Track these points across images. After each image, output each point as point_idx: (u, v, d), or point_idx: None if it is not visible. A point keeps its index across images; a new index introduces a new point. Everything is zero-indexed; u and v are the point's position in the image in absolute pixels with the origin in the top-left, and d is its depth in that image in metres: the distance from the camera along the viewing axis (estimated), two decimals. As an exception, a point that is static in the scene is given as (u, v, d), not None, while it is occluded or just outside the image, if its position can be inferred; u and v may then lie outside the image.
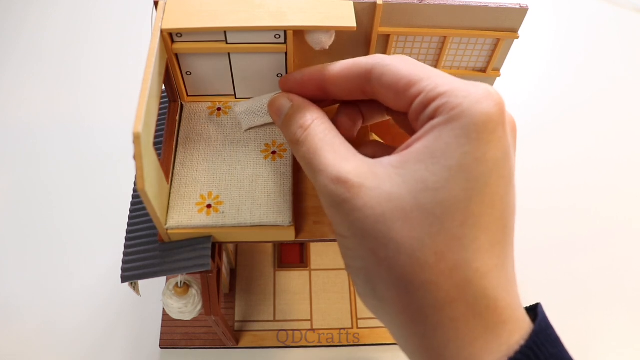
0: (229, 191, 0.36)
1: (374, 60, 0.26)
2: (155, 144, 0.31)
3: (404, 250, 0.21)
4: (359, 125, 0.30)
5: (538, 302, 0.24)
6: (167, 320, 0.49)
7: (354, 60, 0.27)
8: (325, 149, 0.25)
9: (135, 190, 0.38)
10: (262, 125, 0.39)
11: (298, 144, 0.27)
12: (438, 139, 0.22)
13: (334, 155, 0.24)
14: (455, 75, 0.42)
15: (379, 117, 0.31)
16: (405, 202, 0.21)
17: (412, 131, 0.27)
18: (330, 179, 0.23)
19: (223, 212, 0.35)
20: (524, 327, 0.21)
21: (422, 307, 0.21)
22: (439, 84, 0.23)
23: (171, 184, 0.36)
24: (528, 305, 0.24)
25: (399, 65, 0.25)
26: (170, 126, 0.38)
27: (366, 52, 0.40)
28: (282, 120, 0.29)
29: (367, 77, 0.26)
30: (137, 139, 0.27)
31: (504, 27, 0.38)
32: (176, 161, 0.37)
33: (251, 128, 0.39)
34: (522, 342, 0.21)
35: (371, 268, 0.22)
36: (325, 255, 0.53)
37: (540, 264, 0.55)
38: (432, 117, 0.23)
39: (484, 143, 0.21)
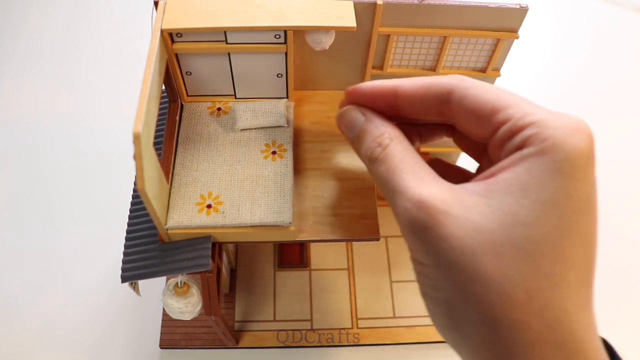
0: (229, 191, 0.36)
1: (455, 80, 0.25)
2: (155, 144, 0.31)
3: (494, 286, 0.20)
4: (417, 145, 0.29)
5: (609, 342, 0.23)
6: (167, 320, 0.49)
7: (433, 79, 0.26)
8: (406, 170, 0.24)
9: (135, 190, 0.38)
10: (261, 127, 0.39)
11: (376, 162, 0.25)
12: (529, 172, 0.21)
13: (415, 177, 0.23)
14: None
15: (438, 138, 0.30)
16: (495, 235, 0.20)
17: (479, 155, 0.27)
18: (412, 202, 0.22)
19: (223, 212, 0.35)
20: None
21: (511, 346, 0.20)
22: (527, 112, 0.22)
23: (171, 184, 0.36)
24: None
25: (483, 89, 0.24)
26: (170, 126, 0.38)
27: (366, 52, 0.40)
28: (355, 135, 0.27)
29: (446, 98, 0.25)
30: (137, 139, 0.27)
31: (504, 27, 0.38)
32: (176, 161, 0.37)
33: (248, 129, 0.39)
34: None
35: (455, 302, 0.21)
36: (325, 255, 0.53)
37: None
38: (520, 147, 0.22)
39: (577, 179, 0.21)
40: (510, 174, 0.21)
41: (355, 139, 0.27)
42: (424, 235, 0.22)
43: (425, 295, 0.23)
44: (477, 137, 0.25)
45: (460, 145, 0.29)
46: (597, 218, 0.21)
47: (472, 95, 0.24)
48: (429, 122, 0.28)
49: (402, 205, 0.23)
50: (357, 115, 0.27)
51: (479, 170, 0.27)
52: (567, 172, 0.20)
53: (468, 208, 0.21)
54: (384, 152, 0.25)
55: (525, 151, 0.21)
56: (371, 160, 0.25)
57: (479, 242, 0.20)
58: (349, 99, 0.28)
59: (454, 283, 0.21)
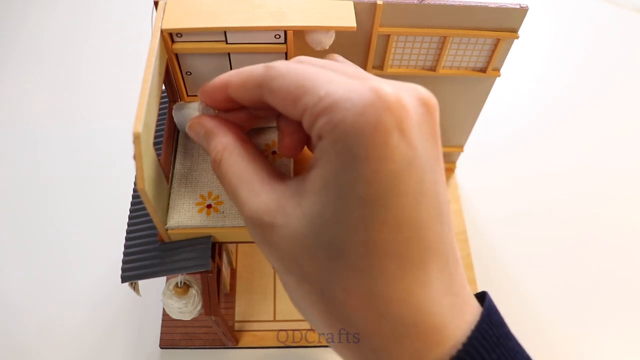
0: (229, 191, 0.36)
1: (263, 72, 0.23)
2: (155, 144, 0.31)
3: (315, 288, 0.21)
4: (303, 141, 0.27)
5: (484, 291, 0.23)
6: (167, 320, 0.49)
7: (251, 70, 0.24)
8: (238, 183, 0.25)
9: (135, 190, 0.38)
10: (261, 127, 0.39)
11: (217, 175, 0.26)
12: (327, 166, 0.20)
13: (248, 190, 0.24)
14: (455, 75, 0.43)
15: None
16: (307, 239, 0.21)
17: None
18: (247, 219, 0.24)
19: (223, 212, 0.35)
20: (458, 335, 0.20)
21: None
22: (321, 97, 0.20)
23: (171, 184, 0.36)
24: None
25: (286, 76, 0.22)
26: (170, 126, 0.38)
27: (366, 52, 0.40)
28: (202, 143, 0.29)
29: (259, 93, 0.24)
30: (137, 139, 0.27)
31: (504, 27, 0.38)
32: (176, 161, 0.37)
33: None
34: (459, 346, 0.19)
35: (299, 302, 0.23)
36: (325, 255, 0.53)
37: (541, 266, 0.55)
38: (319, 138, 0.20)
39: (375, 160, 0.19)
40: (315, 171, 0.21)
41: (203, 147, 0.29)
42: (261, 246, 0.23)
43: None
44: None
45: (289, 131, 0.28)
46: (421, 191, 0.20)
47: (277, 88, 0.23)
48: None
49: (244, 220, 0.24)
50: (198, 129, 0.28)
51: None
52: (362, 156, 0.19)
53: (288, 215, 0.22)
54: (220, 168, 0.26)
55: (322, 143, 0.20)
56: (215, 174, 0.27)
57: (297, 247, 0.21)
58: (201, 99, 0.29)
59: (288, 287, 0.23)
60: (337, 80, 0.21)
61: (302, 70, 0.22)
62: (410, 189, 0.19)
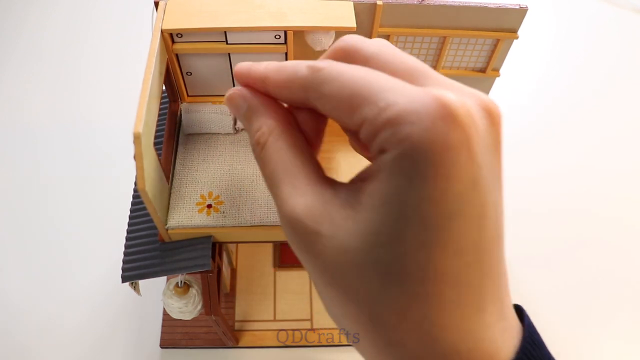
0: (229, 191, 0.36)
1: (310, 73, 0.21)
2: (155, 144, 0.31)
3: (365, 308, 0.19)
4: (324, 124, 0.25)
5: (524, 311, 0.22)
6: (167, 320, 0.49)
7: (295, 67, 0.22)
8: (282, 175, 0.22)
9: (135, 190, 0.39)
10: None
11: (258, 160, 0.24)
12: (390, 182, 0.18)
13: (291, 184, 0.22)
14: (455, 75, 0.43)
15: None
16: (360, 256, 0.19)
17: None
18: (287, 218, 0.21)
19: (223, 212, 0.35)
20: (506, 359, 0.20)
21: None
22: (382, 108, 0.18)
23: (171, 184, 0.36)
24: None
25: (339, 81, 0.20)
26: (170, 126, 0.38)
27: (366, 53, 0.40)
28: (242, 119, 0.25)
29: (305, 97, 0.22)
30: (137, 139, 0.27)
31: (504, 27, 0.38)
32: (176, 161, 0.37)
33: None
34: None
35: (340, 317, 0.21)
36: (325, 255, 0.53)
37: (541, 266, 0.55)
38: (382, 151, 0.19)
39: (443, 179, 0.18)
40: (373, 185, 0.19)
41: (243, 123, 0.25)
42: (299, 250, 0.21)
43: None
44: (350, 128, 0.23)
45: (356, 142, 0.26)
46: (484, 213, 0.19)
47: (328, 94, 0.21)
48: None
49: (281, 216, 0.22)
50: (240, 101, 0.25)
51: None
52: (430, 175, 0.17)
53: (337, 225, 0.20)
54: (263, 152, 0.23)
55: (385, 156, 0.18)
56: (255, 158, 0.24)
57: (347, 263, 0.19)
58: (238, 81, 0.25)
59: (335, 304, 0.21)
60: (396, 87, 0.19)
61: (355, 74, 0.20)
62: (475, 212, 0.18)
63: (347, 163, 0.39)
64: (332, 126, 0.42)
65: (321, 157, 0.39)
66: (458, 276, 0.18)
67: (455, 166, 0.17)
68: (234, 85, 0.39)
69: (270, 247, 0.54)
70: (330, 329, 0.49)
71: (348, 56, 0.22)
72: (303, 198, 0.21)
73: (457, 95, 0.18)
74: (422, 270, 0.18)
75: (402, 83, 0.19)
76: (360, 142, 0.22)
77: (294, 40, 0.35)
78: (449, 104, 0.18)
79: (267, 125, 0.23)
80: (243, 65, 0.24)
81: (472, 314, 0.19)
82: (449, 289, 0.18)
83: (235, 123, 0.38)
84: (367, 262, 0.19)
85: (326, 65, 0.21)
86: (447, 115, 0.17)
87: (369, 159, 0.23)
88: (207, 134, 0.38)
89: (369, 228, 0.19)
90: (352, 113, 0.20)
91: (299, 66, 0.22)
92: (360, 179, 0.20)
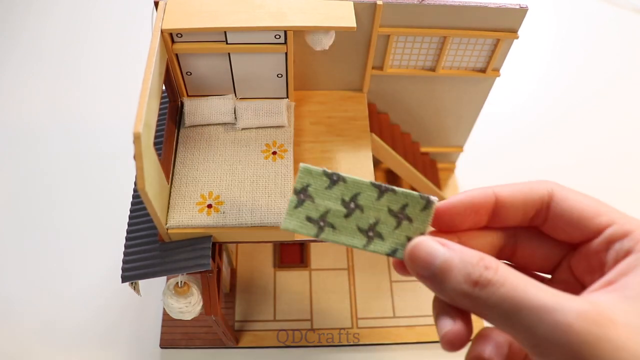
0: (230, 191, 0.36)
1: (552, 184, 0.26)
2: (155, 143, 0.31)
3: None
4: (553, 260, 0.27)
5: None
6: (167, 320, 0.49)
7: (529, 182, 0.26)
8: (536, 286, 0.21)
9: (135, 190, 0.38)
10: (261, 127, 0.39)
11: (488, 285, 0.22)
12: None
13: (553, 294, 0.21)
14: (455, 75, 0.43)
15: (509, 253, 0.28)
16: None
17: (551, 265, 0.26)
18: (575, 315, 0.20)
19: (223, 212, 0.35)
20: None
21: None
22: (626, 219, 0.23)
23: (171, 184, 0.36)
24: None
25: (580, 193, 0.25)
26: (170, 126, 0.38)
27: (366, 52, 0.40)
28: (437, 268, 0.23)
29: (547, 199, 0.25)
30: (137, 139, 0.27)
31: (504, 27, 0.38)
32: (177, 161, 0.37)
33: (249, 128, 0.39)
34: None
35: None
36: (325, 255, 0.53)
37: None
38: (630, 251, 0.22)
39: None
40: (637, 278, 0.21)
41: (437, 273, 0.23)
42: (599, 348, 0.20)
43: None
44: (570, 240, 0.25)
45: (526, 260, 0.28)
46: None
47: (574, 198, 0.25)
48: (507, 230, 0.27)
49: (558, 322, 0.20)
50: (435, 245, 0.24)
51: (555, 281, 0.27)
52: None
53: (626, 315, 0.20)
54: (498, 272, 0.22)
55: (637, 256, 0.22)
56: (481, 285, 0.22)
57: None
58: (438, 219, 0.26)
59: None
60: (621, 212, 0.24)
61: (586, 196, 0.25)
62: None
63: (347, 163, 0.39)
64: (332, 126, 0.42)
65: (321, 157, 0.39)
66: None
67: None
68: (234, 85, 0.39)
69: (270, 247, 0.54)
70: (330, 329, 0.49)
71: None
72: (572, 299, 0.21)
73: None
74: None
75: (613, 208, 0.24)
76: (553, 253, 0.26)
77: (294, 40, 0.35)
78: None
79: (488, 260, 0.23)
80: (447, 203, 0.26)
81: None
82: None
83: (234, 111, 0.39)
84: None
85: (554, 186, 0.26)
86: None
87: (547, 267, 0.27)
88: (207, 132, 0.38)
89: None
90: (597, 217, 0.24)
91: (530, 187, 0.26)
92: (604, 285, 0.22)
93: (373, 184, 0.29)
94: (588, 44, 0.74)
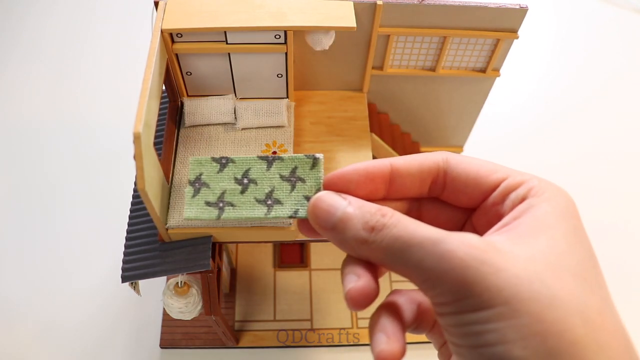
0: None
1: (447, 153, 0.26)
2: (155, 144, 0.31)
3: (573, 309, 0.19)
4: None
5: None
6: (167, 320, 0.49)
7: (424, 153, 0.27)
8: (427, 226, 0.22)
9: (135, 190, 0.38)
10: (260, 127, 0.39)
11: (383, 228, 0.23)
12: (546, 214, 0.22)
13: (441, 230, 0.22)
14: (455, 75, 0.43)
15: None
16: (550, 262, 0.20)
17: (458, 227, 0.27)
18: (458, 243, 0.21)
19: (223, 212, 0.35)
20: None
21: None
22: (519, 172, 0.24)
23: (171, 184, 0.36)
24: None
25: (473, 157, 0.26)
26: (170, 126, 0.38)
27: (366, 52, 0.40)
28: (338, 219, 0.24)
29: (443, 165, 0.26)
30: (137, 139, 0.27)
31: (504, 27, 0.38)
32: (177, 161, 0.37)
33: (249, 128, 0.39)
34: None
35: (531, 341, 0.19)
36: (325, 255, 0.53)
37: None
38: (524, 197, 0.23)
39: (581, 221, 0.23)
40: (529, 219, 0.22)
41: (338, 223, 0.24)
42: (482, 272, 0.20)
43: (477, 350, 0.21)
44: (469, 201, 0.26)
45: (433, 223, 0.27)
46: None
47: (468, 161, 0.25)
48: (404, 203, 0.28)
49: (443, 251, 0.21)
50: (337, 198, 0.25)
51: None
52: (573, 215, 0.23)
53: (511, 246, 0.21)
54: (393, 217, 0.23)
55: (533, 200, 0.23)
56: (376, 229, 0.23)
57: (540, 268, 0.20)
58: (333, 187, 0.26)
59: (529, 316, 0.19)
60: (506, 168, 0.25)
61: (480, 159, 0.26)
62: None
63: (347, 163, 0.39)
64: (332, 126, 0.42)
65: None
66: (609, 292, 0.22)
67: (580, 218, 0.24)
68: (234, 85, 0.39)
69: (270, 247, 0.54)
70: (330, 329, 0.49)
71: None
72: (461, 235, 0.22)
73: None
74: (599, 277, 0.21)
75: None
76: (456, 216, 0.27)
77: (294, 40, 0.35)
78: (556, 184, 0.24)
79: (385, 208, 0.24)
80: (340, 171, 0.26)
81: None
82: (612, 301, 0.22)
83: (234, 111, 0.39)
84: (558, 266, 0.21)
85: (453, 155, 0.26)
86: (564, 190, 0.24)
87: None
88: (207, 132, 0.38)
89: (544, 244, 0.21)
90: (492, 174, 0.25)
91: (424, 157, 0.26)
92: (499, 228, 0.23)
93: (260, 157, 0.31)
94: (588, 44, 0.74)
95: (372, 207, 0.24)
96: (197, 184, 0.30)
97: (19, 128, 0.63)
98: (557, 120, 0.66)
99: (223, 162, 0.31)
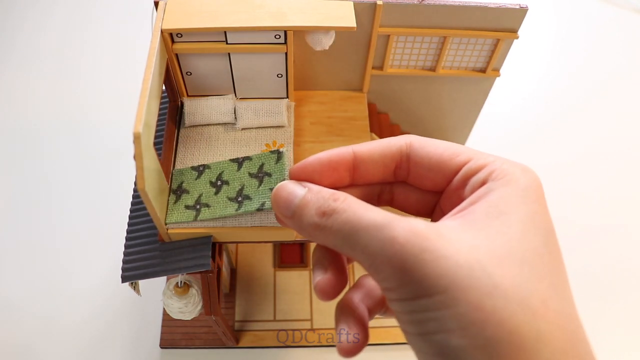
0: (229, 191, 0.36)
1: (411, 136, 0.26)
2: (155, 144, 0.31)
3: (513, 298, 0.19)
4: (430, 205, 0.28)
5: None
6: (167, 320, 0.49)
7: (387, 138, 0.27)
8: (375, 210, 0.22)
9: (135, 190, 0.38)
10: (260, 127, 0.39)
11: (334, 213, 0.23)
12: (502, 199, 0.22)
13: (389, 215, 0.22)
14: (455, 75, 0.43)
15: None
16: (495, 249, 0.20)
17: (426, 212, 0.27)
18: (400, 230, 0.20)
19: (223, 212, 0.35)
20: None
21: None
22: (482, 155, 0.24)
23: (171, 184, 0.36)
24: None
25: (438, 140, 0.26)
26: (170, 126, 0.38)
27: (366, 52, 0.40)
28: (296, 206, 0.25)
29: (406, 150, 0.26)
30: (137, 139, 0.27)
31: (504, 27, 0.38)
32: (176, 160, 0.37)
33: (249, 128, 0.39)
34: None
35: (470, 328, 0.19)
36: (325, 255, 0.53)
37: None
38: (485, 181, 0.23)
39: (541, 205, 0.23)
40: (484, 204, 0.22)
41: (296, 210, 0.25)
42: (421, 259, 0.20)
43: (422, 337, 0.21)
44: (434, 185, 0.25)
45: (404, 207, 0.28)
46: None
47: (432, 144, 0.25)
48: (374, 187, 0.28)
49: (386, 236, 0.21)
50: (296, 187, 0.25)
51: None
52: (533, 199, 0.22)
53: (458, 232, 0.21)
54: (344, 202, 0.23)
55: (492, 184, 0.22)
56: (327, 214, 0.23)
57: (484, 256, 0.20)
58: (298, 176, 0.26)
59: (467, 304, 0.19)
60: (480, 151, 0.25)
61: (445, 142, 0.25)
62: (556, 238, 0.23)
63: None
64: (332, 126, 0.42)
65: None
66: (566, 280, 0.21)
67: (544, 200, 0.23)
68: (234, 85, 0.39)
69: (270, 247, 0.54)
70: (330, 329, 0.49)
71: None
72: (405, 220, 0.21)
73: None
74: (550, 265, 0.21)
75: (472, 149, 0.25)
76: (424, 200, 0.27)
77: (294, 40, 0.35)
78: (527, 166, 0.24)
79: (338, 193, 0.24)
80: (304, 161, 0.26)
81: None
82: (568, 288, 0.21)
83: (234, 111, 0.39)
84: (503, 253, 0.20)
85: (416, 138, 0.26)
86: (530, 171, 0.24)
87: (424, 214, 0.27)
88: (207, 132, 0.38)
89: (494, 231, 0.21)
90: (450, 161, 0.24)
91: (387, 142, 0.26)
92: (456, 213, 0.23)
93: (231, 160, 0.34)
94: (588, 44, 0.74)
95: (327, 192, 0.24)
96: (178, 192, 0.33)
97: (18, 128, 0.63)
98: (557, 120, 0.66)
99: (200, 170, 0.34)
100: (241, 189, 0.33)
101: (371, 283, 0.27)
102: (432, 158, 0.25)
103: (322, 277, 0.25)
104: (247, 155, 0.37)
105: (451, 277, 0.19)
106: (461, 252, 0.20)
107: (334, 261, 0.26)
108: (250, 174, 0.33)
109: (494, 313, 0.19)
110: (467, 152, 0.24)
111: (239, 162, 0.33)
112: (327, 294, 0.25)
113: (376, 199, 0.28)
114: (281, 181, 0.30)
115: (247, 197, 0.33)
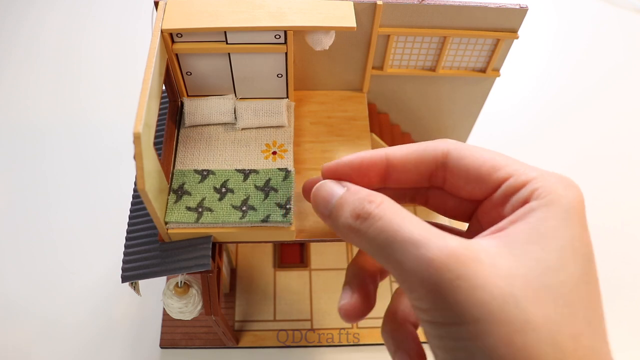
0: (229, 191, 0.36)
1: (448, 143, 0.25)
2: (155, 144, 0.31)
3: (544, 335, 0.19)
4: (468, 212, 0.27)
5: None
6: (167, 320, 0.49)
7: (423, 144, 0.25)
8: (413, 222, 0.21)
9: (135, 190, 0.38)
10: (260, 127, 0.39)
11: (369, 218, 0.22)
12: (544, 221, 0.21)
13: (426, 229, 0.21)
14: (455, 75, 0.43)
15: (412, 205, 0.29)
16: (530, 281, 0.19)
17: (464, 218, 0.26)
18: (437, 251, 0.20)
19: (223, 212, 0.35)
20: None
21: None
22: (525, 170, 0.23)
23: (171, 184, 0.36)
24: None
25: (477, 149, 0.24)
26: (170, 126, 0.38)
27: (366, 53, 0.40)
28: (334, 205, 0.24)
29: (442, 160, 0.25)
30: (137, 139, 0.27)
31: (504, 27, 0.38)
32: (176, 160, 0.37)
33: (249, 128, 0.39)
34: None
35: (516, 348, 0.19)
36: (325, 255, 0.53)
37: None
38: (526, 200, 0.22)
39: (584, 227, 0.22)
40: (525, 225, 0.21)
41: (333, 210, 0.24)
42: (456, 286, 0.19)
43: None
44: (471, 197, 0.25)
45: (440, 209, 0.28)
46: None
47: (470, 155, 0.24)
48: (408, 190, 0.27)
49: (422, 256, 0.20)
50: (335, 186, 0.25)
51: (468, 232, 0.27)
52: (576, 221, 0.21)
53: (495, 258, 0.20)
54: (380, 206, 0.23)
55: (534, 203, 0.22)
56: (362, 218, 0.23)
57: (519, 289, 0.19)
58: (331, 175, 0.26)
59: (497, 338, 0.19)
60: (523, 162, 0.24)
61: (485, 148, 0.24)
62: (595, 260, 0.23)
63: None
64: (332, 126, 0.42)
65: (321, 157, 0.39)
66: (602, 312, 0.21)
67: (585, 220, 0.22)
68: (234, 85, 0.39)
69: (270, 247, 0.54)
70: (330, 329, 0.49)
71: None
72: (443, 238, 0.21)
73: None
74: (586, 298, 0.20)
75: (523, 162, 0.24)
76: (462, 207, 0.26)
77: (294, 40, 0.35)
78: (572, 180, 0.23)
79: (378, 194, 0.24)
80: (338, 161, 0.26)
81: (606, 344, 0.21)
82: (601, 321, 0.20)
83: (234, 111, 0.39)
84: (538, 285, 0.19)
85: (455, 144, 0.25)
86: (575, 186, 0.23)
87: (462, 219, 0.27)
88: (207, 132, 0.38)
89: (531, 257, 0.20)
90: (490, 175, 0.23)
91: (426, 146, 0.25)
92: (494, 232, 0.22)
93: (237, 170, 0.34)
94: (588, 44, 0.74)
95: (364, 193, 0.24)
96: (179, 192, 0.34)
97: (18, 128, 0.63)
98: (557, 120, 0.66)
99: (204, 174, 0.34)
100: (246, 199, 0.34)
101: None
102: (470, 171, 0.24)
103: (347, 301, 0.25)
104: (247, 154, 0.37)
105: (484, 308, 0.19)
106: (497, 280, 0.19)
107: (363, 285, 0.25)
108: (257, 187, 0.34)
109: (524, 350, 0.19)
110: (508, 166, 0.23)
111: (245, 173, 0.34)
112: (350, 317, 0.25)
113: (410, 199, 0.27)
114: (287, 198, 0.31)
115: (252, 208, 0.33)
